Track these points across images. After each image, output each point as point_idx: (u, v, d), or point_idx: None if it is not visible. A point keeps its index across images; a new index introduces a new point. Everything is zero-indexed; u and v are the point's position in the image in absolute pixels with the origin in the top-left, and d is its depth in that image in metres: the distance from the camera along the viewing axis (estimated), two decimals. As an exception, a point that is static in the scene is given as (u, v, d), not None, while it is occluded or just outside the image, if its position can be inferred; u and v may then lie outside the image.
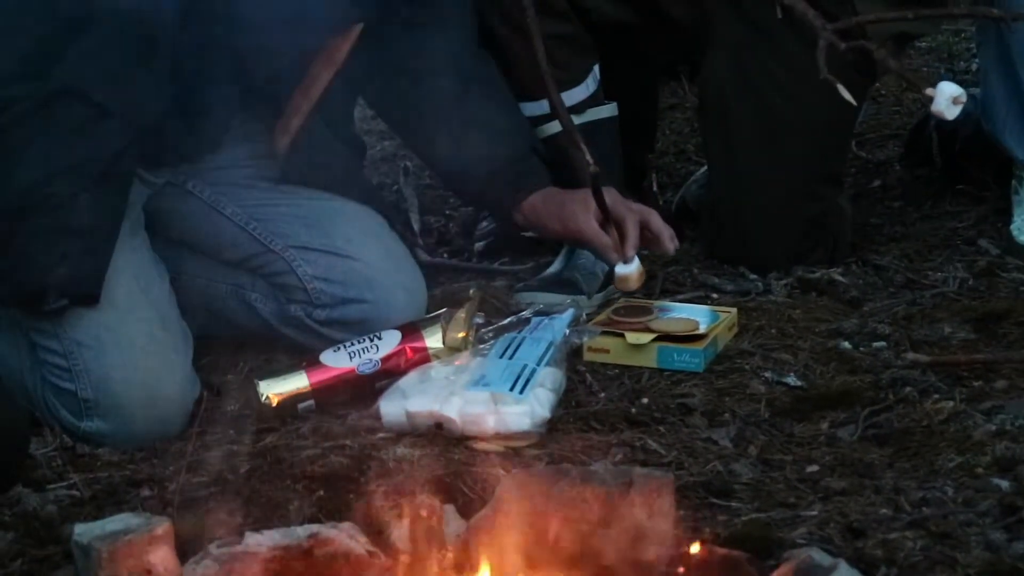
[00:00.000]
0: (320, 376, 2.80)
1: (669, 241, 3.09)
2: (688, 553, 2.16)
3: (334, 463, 2.54)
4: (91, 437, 2.70)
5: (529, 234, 3.42)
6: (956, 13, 3.96)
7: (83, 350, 2.69)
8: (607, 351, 2.95)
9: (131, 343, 2.70)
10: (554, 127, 3.32)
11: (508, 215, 3.20)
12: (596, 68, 3.42)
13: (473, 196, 3.37)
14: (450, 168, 3.24)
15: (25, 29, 2.67)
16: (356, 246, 2.98)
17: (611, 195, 3.05)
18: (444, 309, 2.90)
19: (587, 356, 2.95)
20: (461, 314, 2.87)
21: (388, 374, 2.80)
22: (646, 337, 2.93)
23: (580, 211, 3.07)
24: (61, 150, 2.64)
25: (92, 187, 2.65)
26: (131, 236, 2.77)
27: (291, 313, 2.99)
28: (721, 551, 2.17)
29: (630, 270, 3.04)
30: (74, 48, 2.65)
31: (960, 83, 4.41)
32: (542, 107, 3.32)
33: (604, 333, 2.95)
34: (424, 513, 2.19)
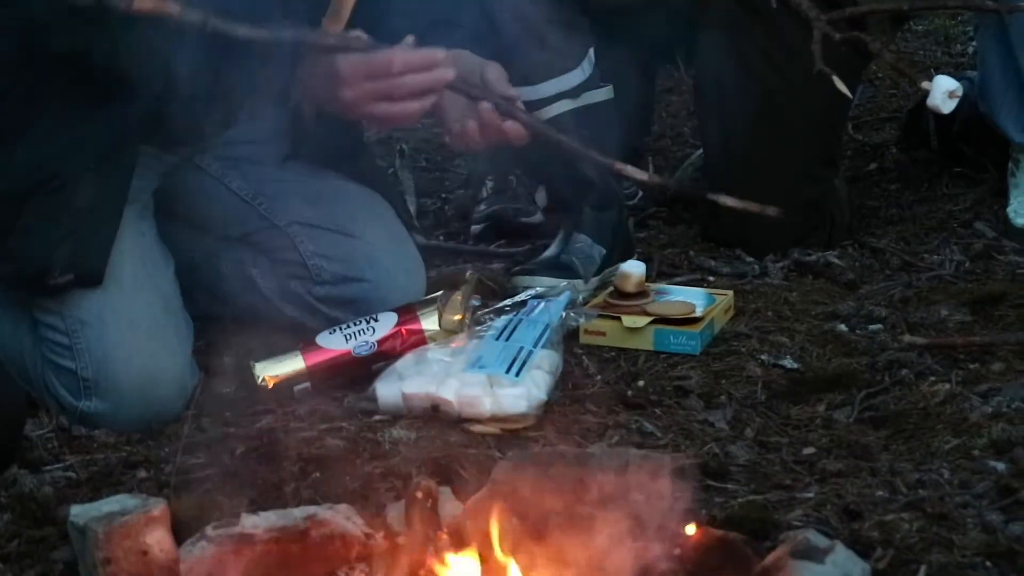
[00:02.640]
0: (316, 358, 2.80)
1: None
2: (684, 535, 2.16)
3: (330, 445, 2.54)
4: (89, 417, 2.70)
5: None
6: (952, 5, 3.95)
7: (86, 328, 2.69)
8: (603, 334, 2.95)
9: (134, 324, 2.70)
10: (551, 111, 3.32)
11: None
12: (591, 52, 3.41)
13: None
14: None
15: (32, 8, 2.65)
16: (359, 225, 2.97)
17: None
18: (441, 292, 2.90)
19: (583, 339, 2.95)
20: (457, 296, 2.87)
21: (384, 356, 2.80)
22: (642, 320, 2.93)
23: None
24: (65, 129, 2.64)
25: (96, 166, 2.64)
26: (139, 220, 2.77)
27: (291, 289, 2.98)
28: (718, 533, 2.17)
29: (636, 271, 3.01)
30: (79, 28, 2.64)
31: (957, 66, 4.41)
32: (539, 92, 3.32)
33: (600, 316, 2.95)
34: (420, 495, 2.18)
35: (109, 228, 2.68)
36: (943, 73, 3.82)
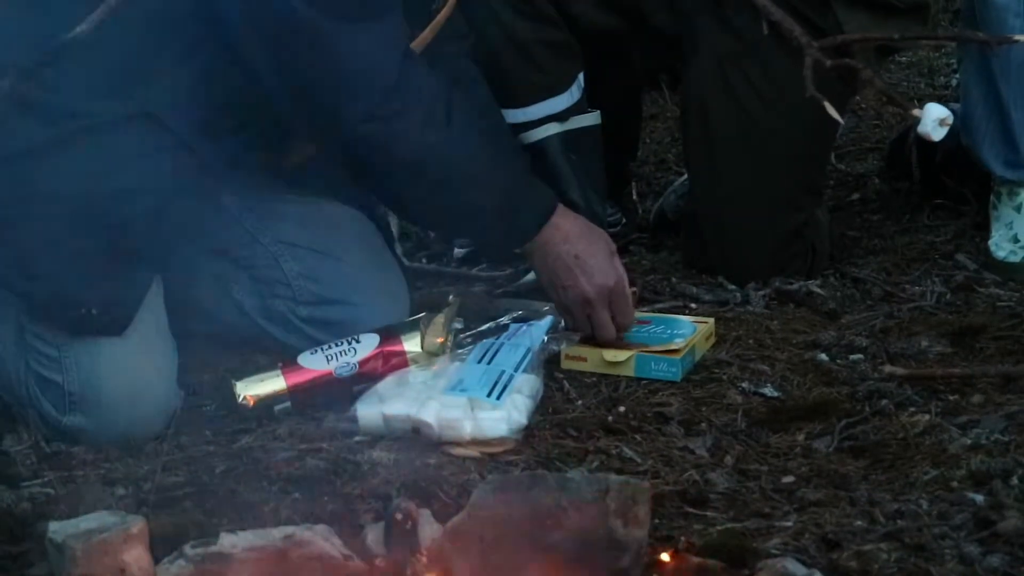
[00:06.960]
0: (297, 378, 2.80)
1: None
2: (662, 562, 2.16)
3: (310, 465, 2.54)
4: (71, 431, 2.70)
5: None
6: (942, 36, 3.97)
7: (75, 342, 2.69)
8: (584, 359, 2.95)
9: (125, 342, 2.69)
10: (539, 134, 3.32)
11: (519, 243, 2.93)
12: (581, 77, 3.42)
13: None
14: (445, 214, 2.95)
15: (120, 50, 2.63)
16: (345, 248, 2.97)
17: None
18: (423, 314, 2.90)
19: (564, 364, 2.95)
20: (440, 319, 2.87)
21: (366, 377, 2.80)
22: (624, 354, 2.92)
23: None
24: (125, 172, 2.63)
25: (149, 214, 2.65)
26: None
27: (274, 308, 2.98)
28: (696, 560, 2.17)
29: None
30: (161, 76, 2.64)
31: (940, 98, 4.42)
32: (528, 114, 3.33)
33: (582, 342, 2.95)
34: (399, 517, 2.19)
35: (145, 280, 2.70)
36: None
